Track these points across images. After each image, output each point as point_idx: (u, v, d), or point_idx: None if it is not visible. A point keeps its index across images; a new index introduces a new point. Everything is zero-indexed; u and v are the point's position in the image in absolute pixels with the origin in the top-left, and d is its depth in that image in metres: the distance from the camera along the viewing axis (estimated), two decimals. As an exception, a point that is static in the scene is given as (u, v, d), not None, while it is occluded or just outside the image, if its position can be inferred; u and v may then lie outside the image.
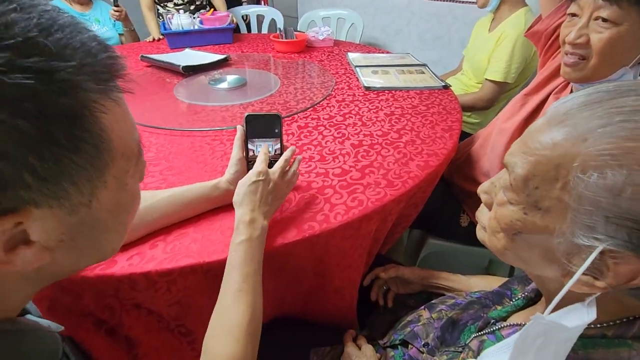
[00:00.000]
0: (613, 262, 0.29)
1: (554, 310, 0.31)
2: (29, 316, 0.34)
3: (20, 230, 0.24)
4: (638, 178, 0.27)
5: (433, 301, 0.66)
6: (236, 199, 0.56)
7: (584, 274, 0.30)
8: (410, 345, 0.59)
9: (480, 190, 0.41)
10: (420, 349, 0.57)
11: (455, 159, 1.13)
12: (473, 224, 1.05)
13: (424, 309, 0.65)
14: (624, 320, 0.33)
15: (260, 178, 0.56)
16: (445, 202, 1.08)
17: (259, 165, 0.57)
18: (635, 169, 0.27)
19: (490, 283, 0.69)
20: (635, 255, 0.28)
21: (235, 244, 0.52)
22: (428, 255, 1.13)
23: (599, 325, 0.34)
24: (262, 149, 0.61)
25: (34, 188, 0.23)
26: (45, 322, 0.35)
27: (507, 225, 0.35)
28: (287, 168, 0.61)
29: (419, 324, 0.61)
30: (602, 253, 0.29)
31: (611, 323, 0.33)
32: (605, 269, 0.29)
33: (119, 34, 1.96)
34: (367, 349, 0.65)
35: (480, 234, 0.41)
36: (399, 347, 0.62)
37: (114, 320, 0.56)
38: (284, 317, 0.81)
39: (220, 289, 0.51)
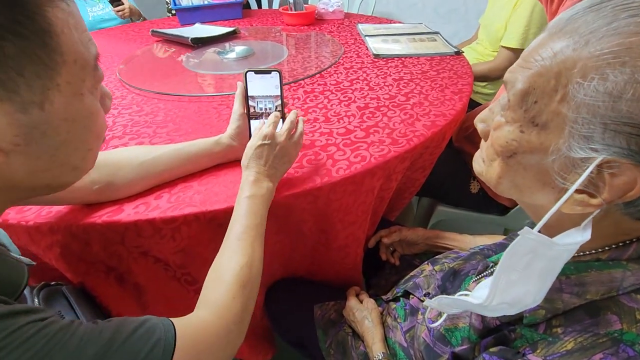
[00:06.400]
0: (609, 173, 0.27)
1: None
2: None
3: None
4: None
5: (437, 256, 0.66)
6: (243, 161, 0.56)
7: (578, 191, 0.29)
8: (411, 296, 0.60)
9: (477, 120, 0.39)
10: (421, 298, 0.57)
11: (466, 127, 1.10)
12: (484, 190, 1.03)
13: (427, 264, 0.65)
14: (620, 244, 0.32)
15: (266, 142, 0.55)
16: (455, 170, 1.06)
17: (266, 128, 0.56)
18: (639, 65, 0.24)
19: (497, 241, 0.67)
20: (633, 163, 0.26)
21: (240, 199, 0.53)
22: (438, 224, 1.12)
23: (594, 251, 0.33)
24: (272, 114, 0.59)
25: None
26: (17, 254, 0.36)
27: (503, 147, 0.33)
28: (293, 130, 0.59)
29: (421, 276, 0.61)
30: (599, 166, 0.27)
31: (606, 248, 0.32)
32: (602, 183, 0.28)
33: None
34: (369, 302, 0.65)
35: (476, 165, 0.39)
36: (401, 298, 0.62)
37: (122, 267, 0.58)
38: (291, 277, 0.82)
39: (223, 241, 0.51)
